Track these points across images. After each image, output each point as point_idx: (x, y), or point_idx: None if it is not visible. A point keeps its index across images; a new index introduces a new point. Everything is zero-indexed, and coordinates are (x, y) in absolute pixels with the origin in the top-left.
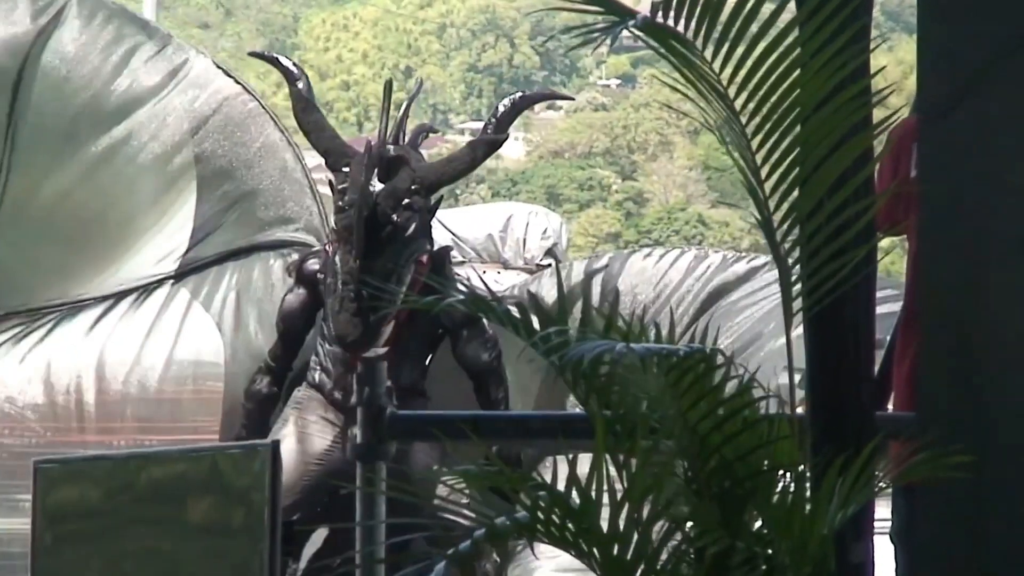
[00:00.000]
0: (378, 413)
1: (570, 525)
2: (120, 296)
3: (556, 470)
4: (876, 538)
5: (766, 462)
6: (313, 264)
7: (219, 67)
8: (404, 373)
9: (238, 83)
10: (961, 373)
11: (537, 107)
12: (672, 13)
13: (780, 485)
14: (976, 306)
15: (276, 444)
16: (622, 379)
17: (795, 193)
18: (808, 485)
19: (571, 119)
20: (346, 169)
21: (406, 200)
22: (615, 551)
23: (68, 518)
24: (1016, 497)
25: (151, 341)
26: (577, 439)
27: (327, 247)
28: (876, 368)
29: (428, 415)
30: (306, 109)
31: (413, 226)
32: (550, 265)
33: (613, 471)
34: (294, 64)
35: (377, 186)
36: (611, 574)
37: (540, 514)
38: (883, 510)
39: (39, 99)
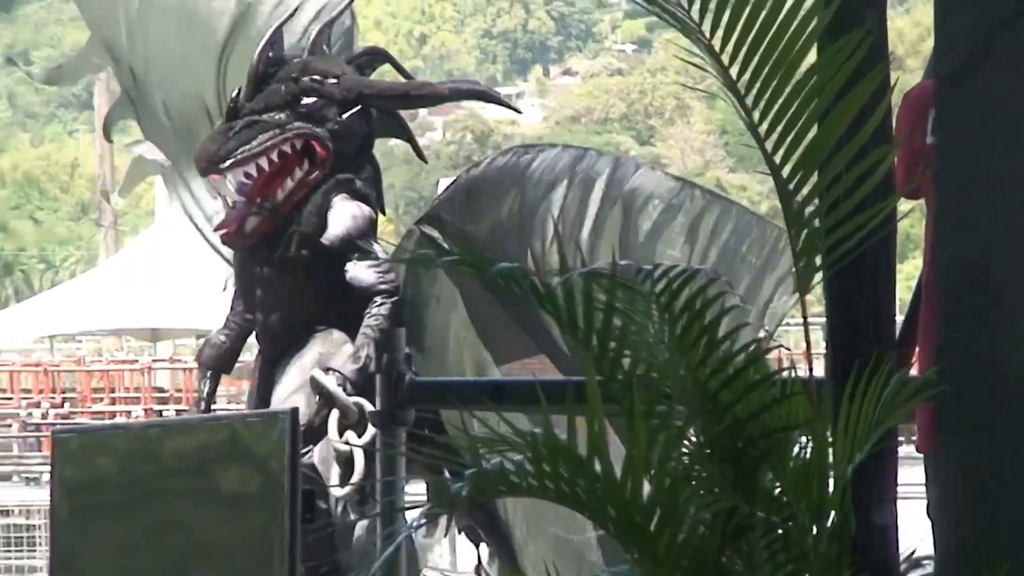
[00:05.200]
0: (397, 380)
1: (581, 482)
2: None
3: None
4: (902, 503)
5: (780, 422)
6: None
7: None
8: (304, 303)
9: None
10: (981, 335)
11: (552, 72)
12: None
13: (797, 447)
14: (994, 269)
15: (295, 411)
16: (610, 308)
17: (809, 136)
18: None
19: (587, 84)
20: None
21: (292, 74)
22: (630, 507)
23: (86, 489)
24: None
25: None
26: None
27: None
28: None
29: (447, 381)
30: None
31: (282, 92)
32: None
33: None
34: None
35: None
36: (629, 534)
37: (546, 466)
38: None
39: None
